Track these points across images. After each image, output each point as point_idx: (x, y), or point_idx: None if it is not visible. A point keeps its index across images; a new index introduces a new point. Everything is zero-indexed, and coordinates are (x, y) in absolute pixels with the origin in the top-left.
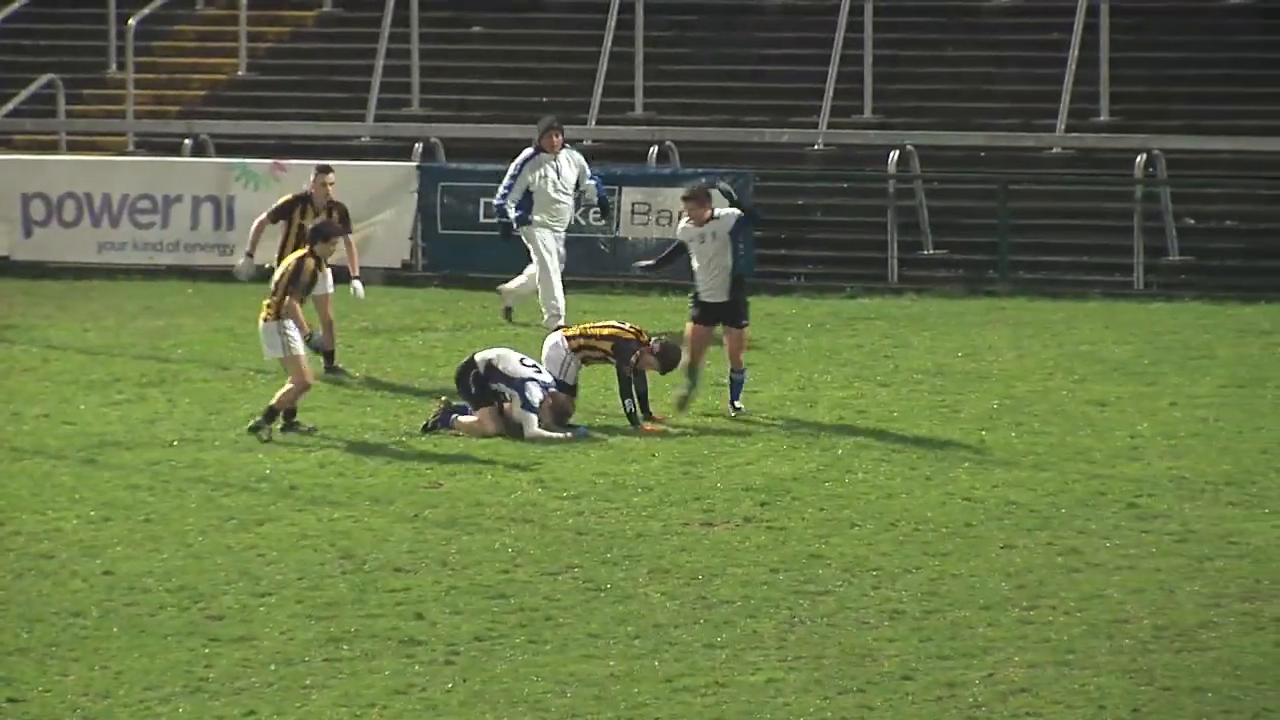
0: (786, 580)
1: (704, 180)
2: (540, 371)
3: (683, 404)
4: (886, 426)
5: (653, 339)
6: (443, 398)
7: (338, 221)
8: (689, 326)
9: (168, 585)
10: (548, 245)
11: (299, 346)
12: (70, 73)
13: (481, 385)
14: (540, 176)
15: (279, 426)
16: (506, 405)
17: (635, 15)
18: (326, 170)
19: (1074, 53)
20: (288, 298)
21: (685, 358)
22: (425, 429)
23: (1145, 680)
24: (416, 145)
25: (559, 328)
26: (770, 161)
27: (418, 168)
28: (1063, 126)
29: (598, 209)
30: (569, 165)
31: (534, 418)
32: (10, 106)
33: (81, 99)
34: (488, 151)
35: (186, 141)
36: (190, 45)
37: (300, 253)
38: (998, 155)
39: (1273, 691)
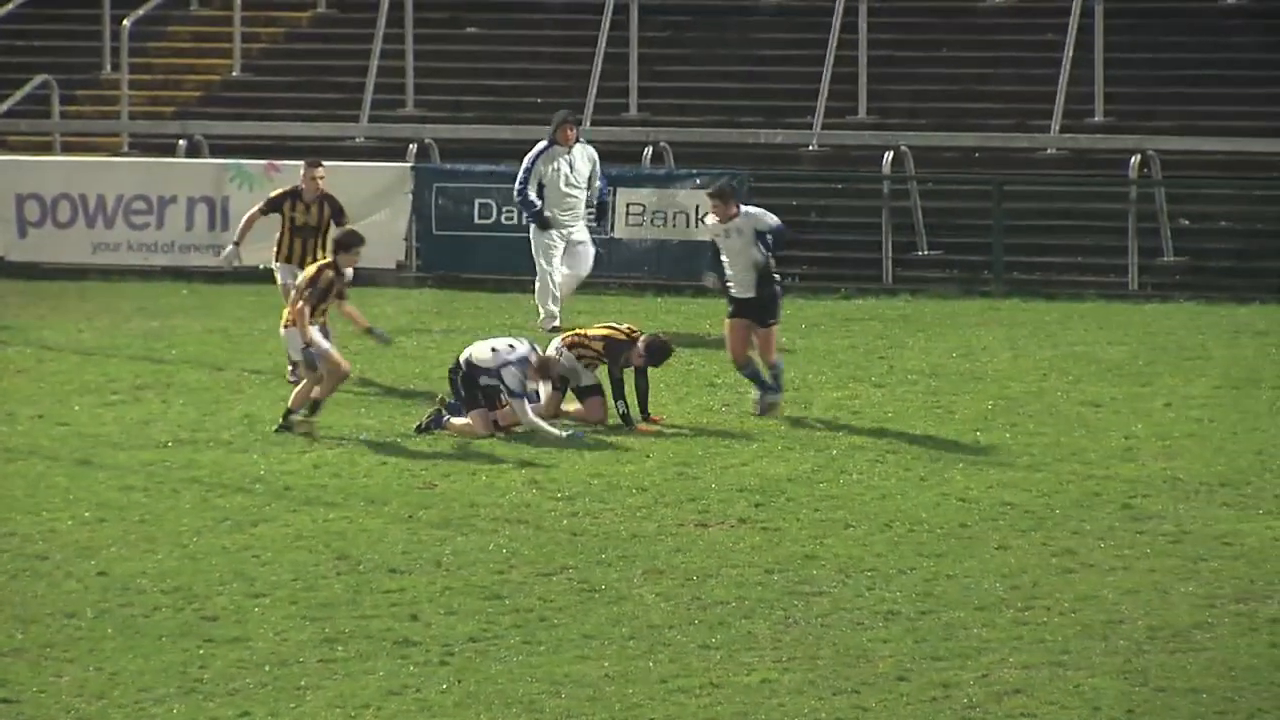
0: (781, 581)
1: (724, 183)
2: (513, 349)
3: (769, 409)
4: (881, 427)
5: (642, 337)
6: (440, 396)
7: (330, 214)
8: (726, 323)
9: (162, 586)
10: (551, 248)
11: (324, 342)
12: (65, 73)
13: (469, 385)
14: (553, 170)
15: (286, 424)
16: (503, 401)
17: (630, 16)
18: (316, 164)
19: (1068, 53)
20: (301, 305)
21: (731, 358)
22: (419, 429)
23: (1140, 681)
24: (411, 146)
25: (554, 328)
26: (765, 162)
27: (412, 168)
28: (1057, 127)
29: (593, 210)
30: (583, 159)
31: (524, 402)
32: (5, 107)
33: (76, 100)
34: (482, 152)
35: (181, 142)
36: (185, 46)
37: (323, 261)
38: (992, 156)
39: (1267, 692)
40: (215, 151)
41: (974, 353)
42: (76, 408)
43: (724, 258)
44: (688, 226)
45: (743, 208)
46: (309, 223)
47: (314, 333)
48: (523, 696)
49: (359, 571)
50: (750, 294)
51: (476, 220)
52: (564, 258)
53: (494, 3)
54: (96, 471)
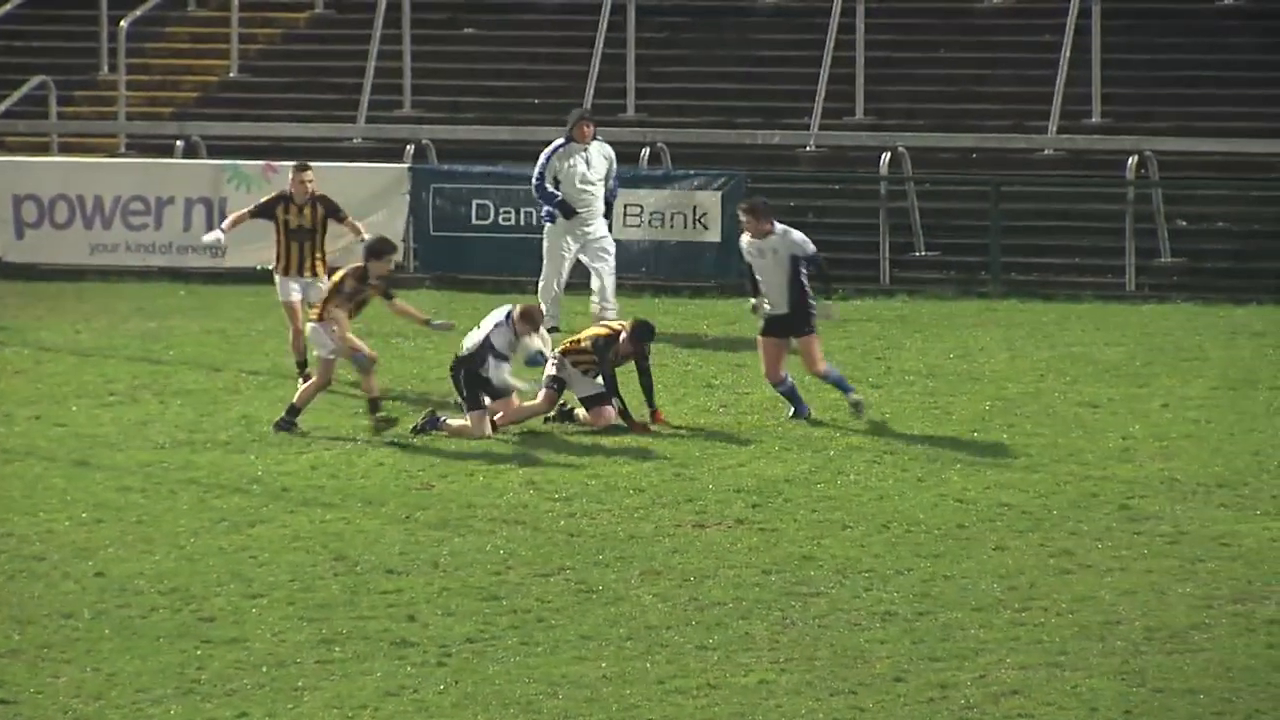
0: (778, 582)
1: (758, 199)
2: (493, 317)
3: (798, 415)
4: (878, 428)
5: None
6: (431, 409)
7: (324, 214)
8: (759, 341)
9: (160, 587)
10: (562, 251)
11: (352, 340)
12: (62, 74)
13: (471, 381)
14: (569, 166)
15: (286, 422)
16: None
17: (627, 17)
18: (304, 168)
19: (1065, 54)
20: (330, 306)
21: (765, 376)
22: (415, 430)
23: (1137, 682)
24: (408, 147)
25: (553, 329)
26: (762, 163)
27: (409, 169)
28: (1054, 128)
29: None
30: (599, 157)
31: (503, 365)
32: (2, 108)
33: (73, 100)
34: (480, 153)
35: (178, 143)
36: (182, 47)
37: (354, 266)
38: (989, 157)
39: (1264, 693)
40: (213, 152)
41: (971, 353)
42: (74, 408)
43: (757, 276)
44: (685, 227)
45: (777, 226)
46: (303, 225)
47: (345, 336)
48: (520, 697)
49: (356, 572)
50: (784, 310)
51: (474, 221)
52: (588, 258)
53: (491, 4)
54: (94, 472)
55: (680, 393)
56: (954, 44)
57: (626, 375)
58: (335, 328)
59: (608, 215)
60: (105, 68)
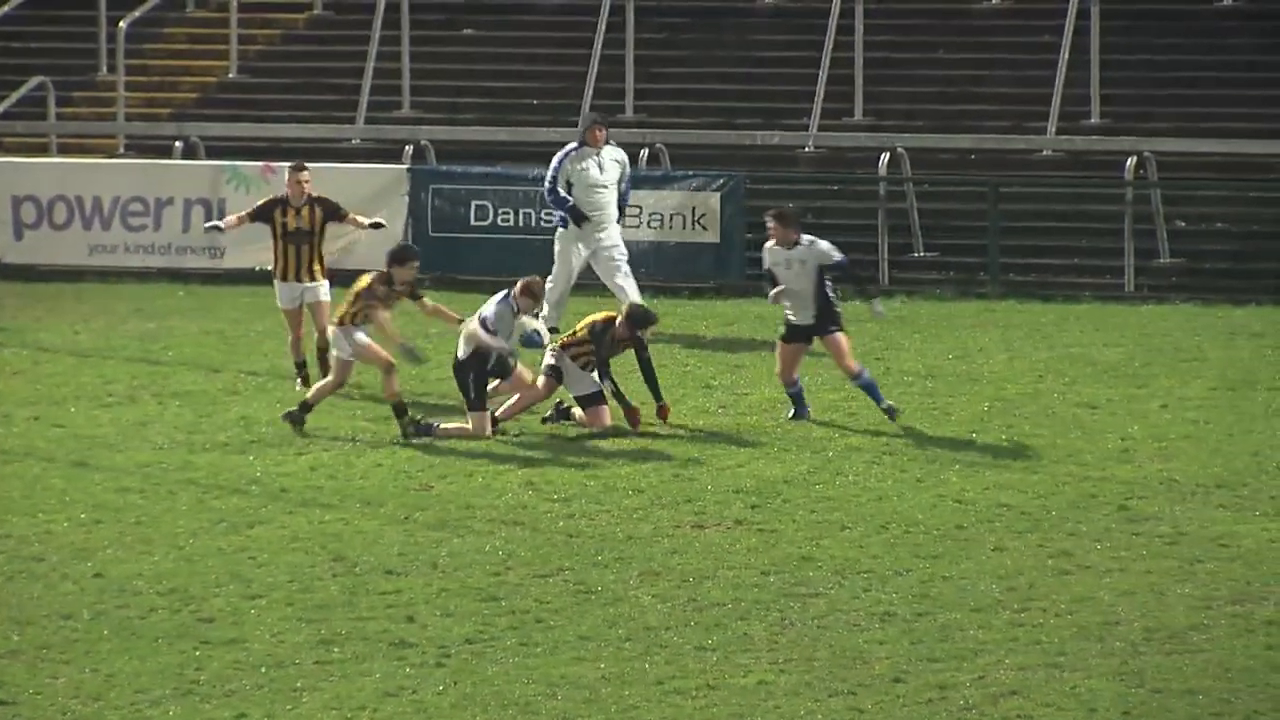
0: (777, 583)
1: (788, 208)
2: (495, 306)
3: (798, 415)
4: (877, 429)
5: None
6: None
7: (323, 216)
8: (779, 345)
9: (158, 588)
10: (572, 255)
11: (364, 337)
12: (61, 75)
13: (480, 383)
14: (581, 170)
15: (295, 416)
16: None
17: (626, 17)
18: (300, 168)
19: (1064, 55)
20: (367, 306)
21: (779, 376)
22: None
23: (1136, 683)
24: (407, 148)
25: (552, 329)
26: (761, 164)
27: (408, 170)
28: (1053, 129)
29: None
30: (611, 161)
31: (491, 333)
32: (1, 109)
33: (72, 101)
34: (479, 154)
35: (177, 144)
36: (181, 48)
37: (379, 271)
38: (988, 158)
39: (1263, 693)
40: (211, 153)
41: (970, 354)
42: (73, 409)
43: (782, 283)
44: (685, 228)
45: (804, 236)
46: (301, 227)
47: (360, 334)
48: (519, 698)
49: (355, 573)
50: (809, 320)
51: (473, 222)
52: (601, 270)
53: (490, 4)
54: (93, 473)
55: (679, 393)
56: (953, 45)
57: (629, 370)
58: (383, 326)
59: (619, 220)
60: (104, 68)
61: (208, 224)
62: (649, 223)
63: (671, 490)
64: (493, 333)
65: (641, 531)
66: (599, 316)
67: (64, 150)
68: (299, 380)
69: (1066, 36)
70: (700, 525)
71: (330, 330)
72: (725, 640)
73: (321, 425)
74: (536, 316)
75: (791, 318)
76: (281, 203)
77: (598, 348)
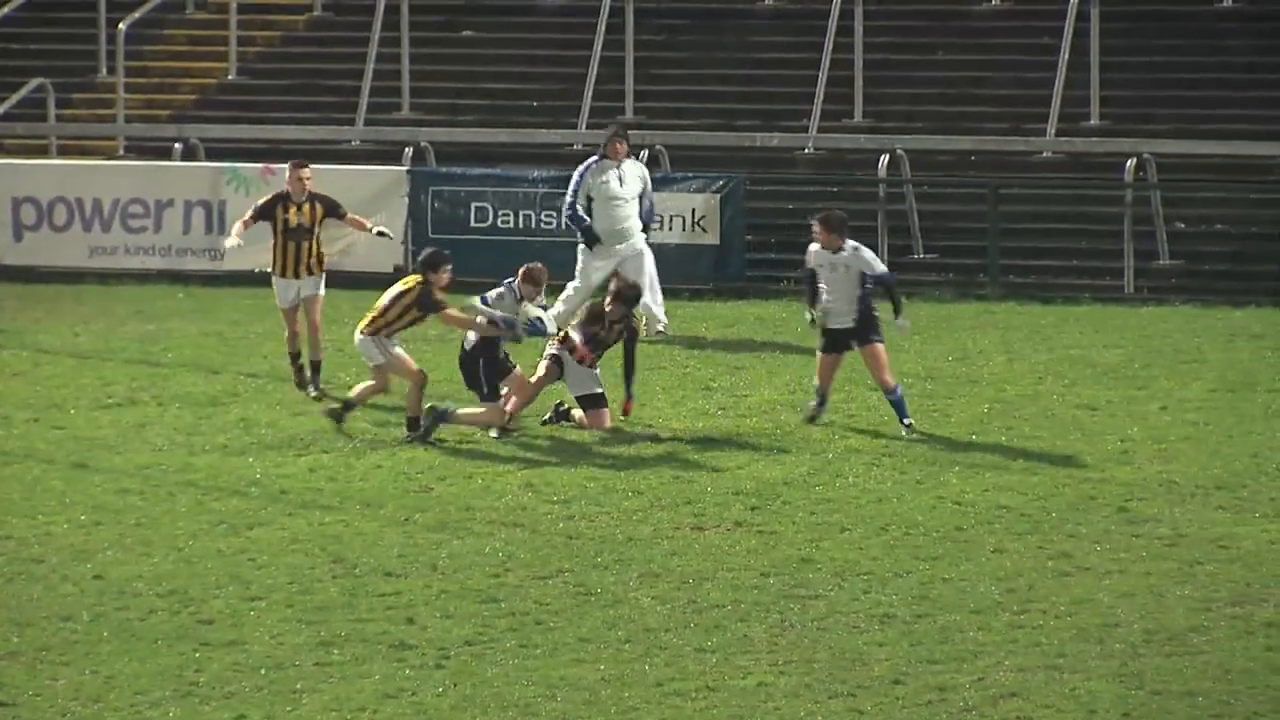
0: (777, 584)
1: (835, 213)
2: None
3: (811, 419)
4: (877, 430)
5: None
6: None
7: (323, 212)
8: (818, 356)
9: (158, 589)
10: (592, 273)
11: (398, 349)
12: (61, 77)
13: (490, 372)
14: (601, 183)
15: (337, 412)
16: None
17: (626, 19)
18: (301, 165)
19: (1064, 57)
20: (437, 316)
21: (816, 382)
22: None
23: (1135, 684)
24: (407, 149)
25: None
26: (760, 166)
27: (408, 172)
28: (1053, 131)
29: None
30: (633, 174)
31: (482, 306)
32: (1, 110)
33: (72, 103)
34: (478, 156)
35: (177, 145)
36: (180, 49)
37: (419, 283)
38: (988, 159)
39: (1263, 695)
40: (211, 155)
41: (969, 356)
42: (72, 411)
43: (822, 286)
44: (684, 230)
45: (849, 243)
46: (301, 223)
47: (396, 346)
48: (519, 700)
49: (355, 575)
50: (849, 324)
51: (473, 224)
52: (624, 274)
53: (490, 6)
54: (92, 475)
55: (679, 395)
56: (952, 46)
57: (620, 376)
58: (457, 321)
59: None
60: (104, 70)
61: (228, 244)
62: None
63: (671, 492)
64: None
65: (641, 533)
66: (590, 311)
67: (64, 152)
68: (293, 371)
69: (1066, 38)
70: (700, 527)
71: (357, 338)
72: (725, 642)
73: (321, 427)
74: (543, 307)
75: (830, 324)
76: (283, 199)
77: (589, 322)
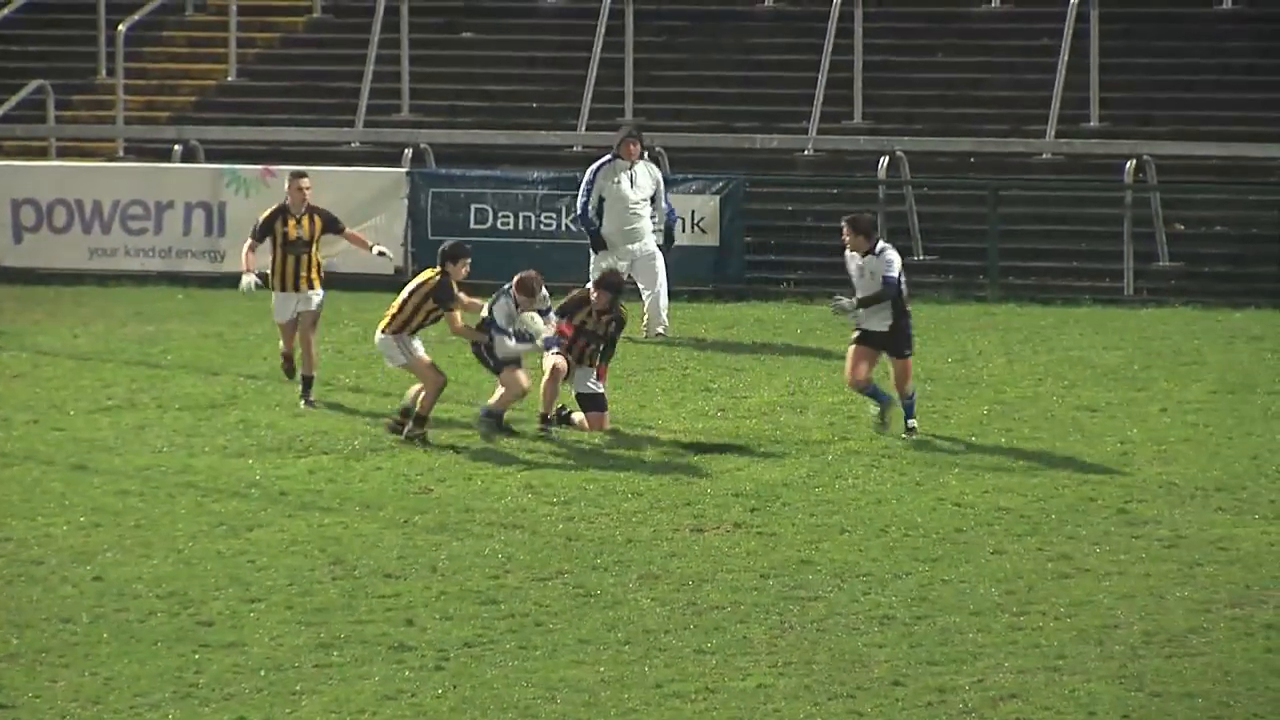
0: (776, 586)
1: (863, 215)
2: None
3: (882, 421)
4: (876, 432)
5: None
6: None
7: (321, 225)
8: (850, 348)
9: (158, 591)
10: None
11: (420, 351)
12: (60, 78)
13: (489, 350)
14: (614, 184)
15: (412, 432)
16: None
17: (625, 21)
18: (301, 175)
19: (1063, 58)
20: (452, 318)
21: (848, 380)
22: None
23: (1135, 686)
24: (406, 151)
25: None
26: (760, 167)
27: (408, 173)
28: (1052, 132)
29: (661, 233)
30: (646, 176)
31: (504, 337)
32: (0, 112)
33: (71, 105)
34: (478, 157)
35: (176, 147)
36: (180, 51)
37: (434, 277)
38: (987, 161)
39: (1262, 697)
40: (211, 157)
41: (969, 358)
42: (72, 413)
43: (858, 291)
44: (684, 231)
45: (880, 244)
46: (301, 236)
47: (416, 344)
48: (518, 701)
49: (354, 576)
50: (883, 328)
51: (472, 225)
52: (639, 279)
53: (489, 8)
54: (92, 477)
55: (678, 397)
56: (951, 48)
57: (629, 374)
58: (458, 326)
59: (670, 241)
60: (103, 72)
61: (243, 287)
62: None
63: (671, 493)
64: (505, 332)
65: (641, 535)
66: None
67: (63, 153)
68: (285, 373)
69: (1065, 40)
70: (699, 528)
71: (377, 337)
72: (724, 643)
73: (321, 429)
74: (545, 314)
75: (865, 324)
76: (281, 213)
77: (575, 312)
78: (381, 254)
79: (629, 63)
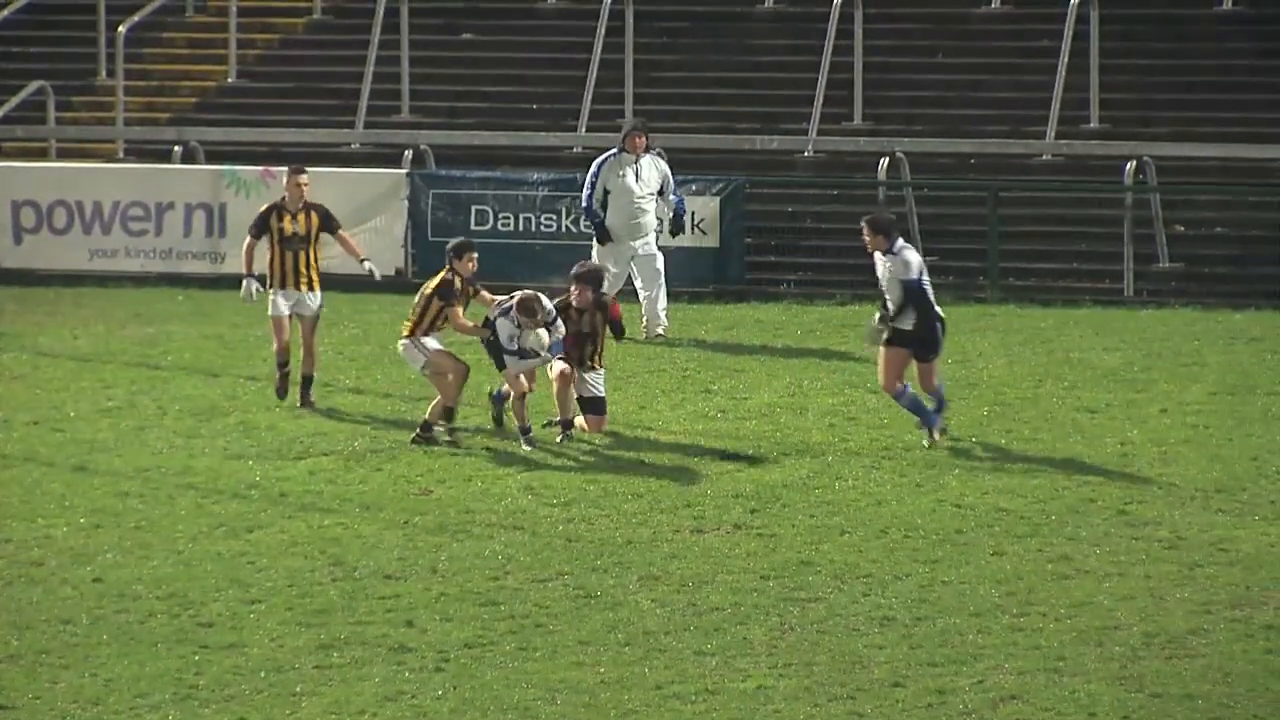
0: (777, 587)
1: (880, 214)
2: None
3: (933, 435)
4: (877, 433)
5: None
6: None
7: (319, 222)
8: (881, 351)
9: (158, 592)
10: (611, 267)
11: (436, 344)
12: (60, 80)
13: (494, 347)
14: (619, 178)
15: (443, 433)
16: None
17: (625, 22)
18: (299, 170)
19: (1063, 60)
20: (448, 305)
21: (882, 385)
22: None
23: (1135, 687)
24: (406, 152)
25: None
26: (760, 168)
27: (408, 175)
28: (1052, 134)
29: (668, 222)
30: (651, 169)
31: (514, 359)
32: (0, 113)
33: (72, 106)
34: (478, 158)
35: (176, 148)
36: (180, 52)
37: (441, 277)
38: (987, 162)
39: (1263, 698)
40: (211, 158)
41: (969, 359)
42: (72, 414)
43: (884, 291)
44: (683, 232)
45: (898, 243)
46: (298, 232)
47: (432, 341)
48: (518, 703)
49: (354, 578)
50: (908, 326)
51: (473, 227)
52: (639, 277)
53: (490, 9)
54: (92, 478)
55: (679, 398)
56: (952, 49)
57: (628, 376)
58: (460, 324)
59: (679, 228)
60: (104, 73)
61: (244, 291)
62: None
63: (671, 495)
64: (509, 351)
65: (641, 536)
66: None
67: (63, 155)
68: (278, 377)
69: (1065, 41)
70: (699, 530)
71: (399, 345)
72: (725, 645)
73: (321, 430)
74: (552, 325)
75: (893, 322)
76: (277, 208)
77: (563, 319)
78: (370, 271)
79: (629, 64)
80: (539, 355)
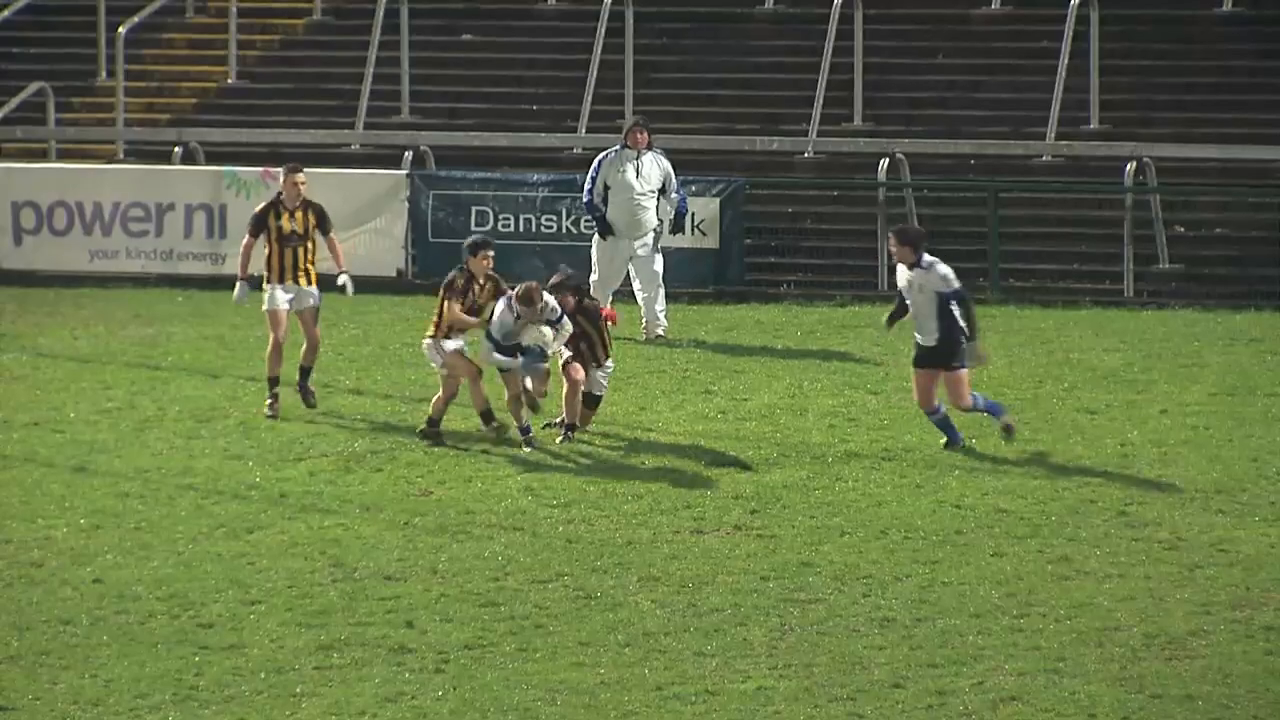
0: (777, 588)
1: (909, 227)
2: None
3: (951, 443)
4: (876, 434)
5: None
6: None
7: (315, 220)
8: (913, 373)
9: (158, 593)
10: (608, 263)
11: (454, 344)
12: (60, 80)
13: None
14: (619, 173)
15: (486, 428)
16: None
17: (625, 24)
18: (296, 169)
19: (1063, 61)
20: (450, 306)
21: (918, 403)
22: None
23: (1135, 688)
24: (406, 153)
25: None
26: (760, 170)
27: (408, 176)
28: (1052, 135)
29: (669, 219)
30: (653, 166)
31: (489, 348)
32: (1, 114)
33: (72, 107)
34: (478, 159)
35: (177, 149)
36: (180, 53)
37: (453, 275)
38: (987, 163)
39: (1262, 699)
40: (211, 159)
41: None
42: (72, 415)
43: (908, 302)
44: (684, 233)
45: (925, 258)
46: (295, 230)
47: (449, 343)
48: (518, 704)
49: (354, 579)
50: (932, 342)
51: (473, 227)
52: (637, 278)
53: (490, 10)
54: (92, 479)
55: (679, 399)
56: (952, 50)
57: (627, 378)
58: (460, 319)
59: (680, 226)
60: (104, 74)
61: (237, 293)
62: None
63: (671, 496)
64: (497, 342)
65: (641, 537)
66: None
67: (63, 156)
68: (269, 401)
69: (1066, 42)
70: (700, 531)
71: (424, 344)
72: (725, 646)
73: (321, 431)
74: (556, 323)
75: (918, 339)
76: (274, 206)
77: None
78: (343, 285)
79: (629, 65)
80: (544, 355)
